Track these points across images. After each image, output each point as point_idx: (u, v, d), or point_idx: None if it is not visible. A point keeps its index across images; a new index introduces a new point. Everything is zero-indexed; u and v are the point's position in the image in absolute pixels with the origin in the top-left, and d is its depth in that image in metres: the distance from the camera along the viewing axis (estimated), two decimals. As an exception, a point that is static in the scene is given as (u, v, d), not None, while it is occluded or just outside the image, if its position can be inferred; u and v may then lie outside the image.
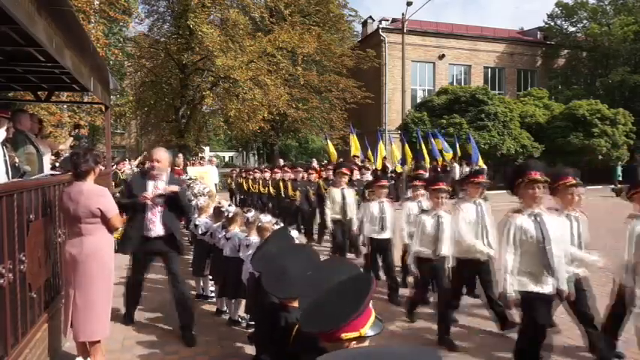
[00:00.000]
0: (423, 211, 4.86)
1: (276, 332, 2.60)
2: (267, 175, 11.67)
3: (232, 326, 4.80)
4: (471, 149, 18.76)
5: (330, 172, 8.99)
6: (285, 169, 10.95)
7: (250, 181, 12.37)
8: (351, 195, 7.02)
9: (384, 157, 17.90)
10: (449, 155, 18.42)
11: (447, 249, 4.53)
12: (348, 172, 7.32)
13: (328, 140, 18.38)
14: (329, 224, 6.96)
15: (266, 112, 20.35)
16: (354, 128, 18.24)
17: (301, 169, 10.46)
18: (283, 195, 10.25)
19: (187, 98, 21.79)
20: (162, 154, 4.44)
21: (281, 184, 10.36)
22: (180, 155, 13.51)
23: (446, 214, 4.62)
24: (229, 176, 16.86)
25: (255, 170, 12.98)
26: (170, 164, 4.64)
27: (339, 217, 6.91)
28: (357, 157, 16.35)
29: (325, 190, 8.66)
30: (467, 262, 4.47)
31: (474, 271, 4.60)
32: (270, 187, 11.01)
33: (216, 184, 15.93)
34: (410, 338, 4.54)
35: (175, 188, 4.35)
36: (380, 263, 5.83)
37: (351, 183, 8.66)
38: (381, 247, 5.73)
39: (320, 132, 26.22)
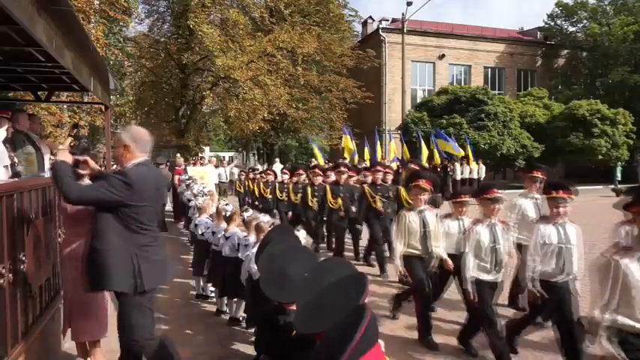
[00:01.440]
0: (625, 249, 2.68)
1: (276, 334, 2.60)
2: (286, 177, 9.41)
3: (232, 326, 4.81)
4: (469, 151, 18.85)
5: (379, 175, 7.27)
6: (316, 170, 8.86)
7: (262, 184, 9.66)
8: (433, 220, 4.74)
9: (383, 158, 17.88)
10: (460, 154, 18.46)
11: None
12: (430, 187, 4.76)
13: (314, 144, 17.69)
14: (398, 262, 4.68)
15: (266, 112, 20.35)
16: (348, 129, 18.11)
17: (345, 170, 8.25)
18: (312, 203, 8.09)
19: (187, 98, 21.81)
20: (119, 136, 3.10)
21: (309, 189, 8.25)
22: (179, 155, 13.50)
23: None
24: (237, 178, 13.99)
25: (268, 172, 10.46)
26: (142, 149, 3.04)
27: (417, 252, 4.64)
28: (347, 158, 16.25)
29: (373, 198, 7.10)
30: None
31: None
32: (292, 194, 8.71)
33: (223, 183, 15.86)
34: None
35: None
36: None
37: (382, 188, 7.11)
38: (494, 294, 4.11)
39: (320, 132, 26.21)
